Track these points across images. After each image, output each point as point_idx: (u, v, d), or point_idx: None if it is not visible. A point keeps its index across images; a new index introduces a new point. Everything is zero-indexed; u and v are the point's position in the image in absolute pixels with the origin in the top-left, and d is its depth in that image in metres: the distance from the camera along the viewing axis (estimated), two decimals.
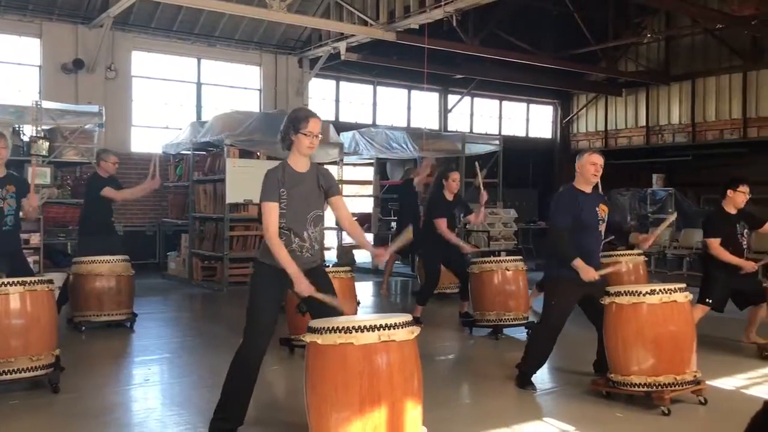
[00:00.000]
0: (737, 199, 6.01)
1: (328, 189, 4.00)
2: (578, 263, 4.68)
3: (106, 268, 7.03)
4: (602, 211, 4.88)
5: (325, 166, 13.27)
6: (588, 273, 4.67)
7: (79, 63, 12.45)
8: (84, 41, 12.55)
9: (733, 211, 6.04)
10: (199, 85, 14.52)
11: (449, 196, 7.40)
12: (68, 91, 12.31)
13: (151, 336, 7.08)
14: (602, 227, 4.89)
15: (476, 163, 7.98)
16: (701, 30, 16.49)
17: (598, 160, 4.88)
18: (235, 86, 14.98)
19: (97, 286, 6.99)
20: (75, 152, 10.11)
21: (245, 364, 3.84)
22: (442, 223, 7.22)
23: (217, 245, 10.58)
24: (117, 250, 7.38)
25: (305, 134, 3.83)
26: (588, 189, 4.91)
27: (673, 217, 5.91)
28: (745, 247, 6.10)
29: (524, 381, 4.99)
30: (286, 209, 3.82)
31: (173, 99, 14.26)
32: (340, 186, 12.06)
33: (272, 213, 3.78)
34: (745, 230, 6.15)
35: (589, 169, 4.84)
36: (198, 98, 14.52)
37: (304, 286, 3.74)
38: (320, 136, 3.92)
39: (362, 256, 13.86)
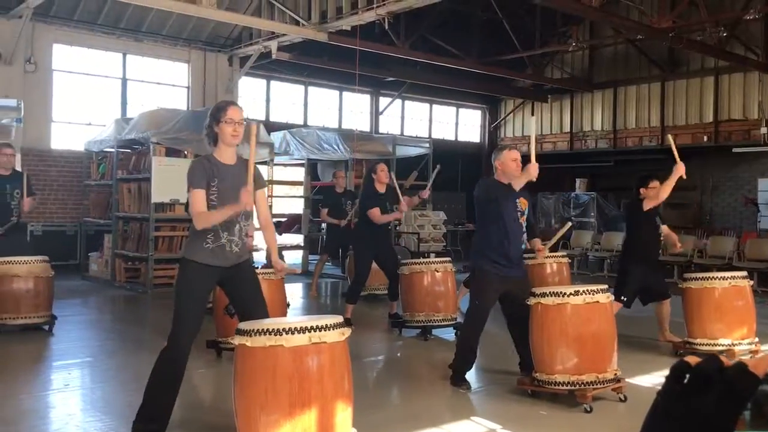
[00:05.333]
0: (650, 195, 6.28)
1: (255, 182, 3.95)
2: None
3: (23, 269, 6.74)
4: (522, 203, 5.01)
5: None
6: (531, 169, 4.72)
7: None
8: (1, 32, 11.98)
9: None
10: (124, 80, 14.10)
11: (380, 188, 7.40)
12: None
13: (71, 339, 6.83)
14: (522, 219, 5.01)
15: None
16: (623, 40, 17.10)
17: (518, 156, 5.03)
18: (162, 83, 14.62)
19: (14, 287, 6.69)
20: None
21: (169, 364, 3.76)
22: (375, 212, 7.18)
23: (141, 246, 10.29)
24: (25, 251, 7.07)
25: (226, 122, 3.79)
26: (508, 182, 5.04)
27: (568, 226, 6.08)
28: (662, 238, 6.38)
29: (458, 379, 5.07)
30: (216, 202, 3.76)
31: (97, 94, 13.80)
32: (269, 186, 12.00)
33: (200, 198, 3.70)
34: (661, 225, 6.44)
35: (511, 165, 4.97)
36: (123, 94, 14.09)
37: (243, 200, 3.63)
38: (243, 123, 3.87)
39: (292, 257, 13.75)
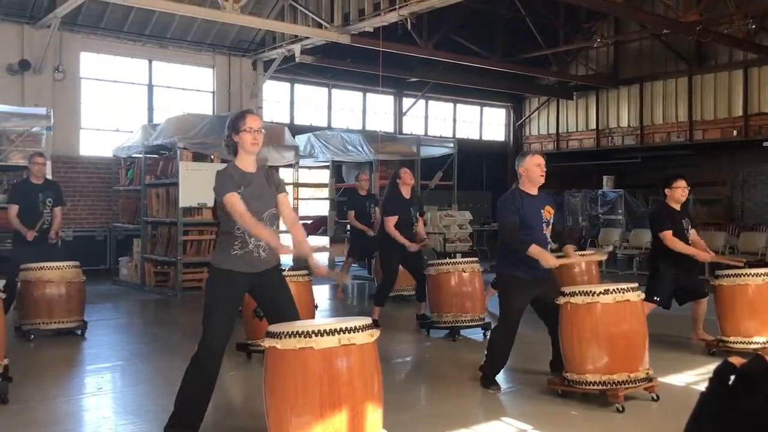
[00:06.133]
0: (675, 195, 6.20)
1: (277, 186, 3.99)
2: (535, 250, 4.70)
3: (55, 275, 6.85)
4: (547, 212, 4.92)
5: (281, 169, 13.17)
6: (548, 260, 4.70)
7: (25, 64, 12.11)
8: (30, 42, 12.22)
9: (677, 207, 6.23)
10: (150, 87, 14.27)
11: (405, 193, 7.37)
12: (14, 93, 11.96)
13: (103, 343, 6.92)
14: (547, 230, 4.92)
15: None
16: (649, 35, 16.92)
17: (542, 160, 4.94)
18: (188, 88, 14.77)
19: (46, 293, 6.80)
20: (22, 156, 9.81)
21: (201, 371, 3.79)
22: (390, 221, 7.17)
23: (170, 250, 10.40)
24: (55, 258, 7.20)
25: (246, 131, 3.81)
26: (534, 191, 4.94)
27: (604, 257, 6.00)
28: (690, 243, 6.27)
29: (488, 381, 5.04)
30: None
31: (124, 101, 13.98)
32: (295, 188, 12.06)
33: (236, 199, 3.71)
34: (690, 227, 6.34)
35: (536, 171, 4.88)
36: (149, 100, 14.26)
37: (283, 249, 3.73)
38: (262, 131, 3.89)
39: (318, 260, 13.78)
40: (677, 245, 6.07)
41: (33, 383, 5.23)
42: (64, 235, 11.35)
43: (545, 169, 4.92)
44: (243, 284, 3.86)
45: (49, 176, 8.07)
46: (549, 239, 4.99)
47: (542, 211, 4.91)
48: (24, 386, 5.04)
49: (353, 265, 11.28)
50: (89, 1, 11.53)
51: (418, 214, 7.50)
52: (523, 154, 5.07)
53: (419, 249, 7.39)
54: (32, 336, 6.79)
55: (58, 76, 12.60)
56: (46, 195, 7.40)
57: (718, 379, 0.76)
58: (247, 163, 3.88)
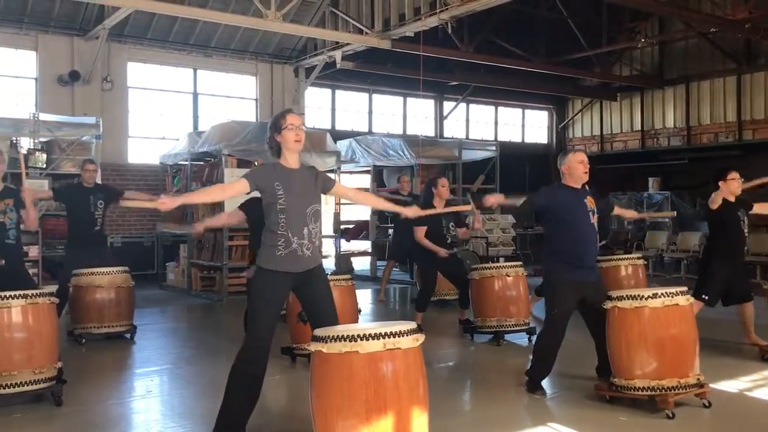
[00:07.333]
0: (731, 186, 6.05)
1: (324, 184, 4.03)
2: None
3: (106, 280, 7.02)
4: (590, 202, 4.94)
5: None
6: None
7: (75, 75, 12.44)
8: (80, 53, 12.56)
9: (732, 199, 6.08)
10: (195, 95, 14.53)
11: (438, 204, 7.30)
12: (65, 103, 12.30)
13: (151, 347, 7.06)
14: (594, 219, 4.91)
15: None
16: (695, 34, 16.58)
17: (584, 157, 4.98)
18: (232, 96, 14.99)
19: (97, 298, 6.97)
20: (72, 164, 10.11)
21: (245, 367, 3.83)
22: (419, 231, 7.11)
23: (216, 255, 10.55)
24: (105, 261, 7.34)
25: (288, 128, 3.86)
26: (577, 186, 4.98)
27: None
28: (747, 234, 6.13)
29: (534, 386, 5.01)
30: (285, 205, 3.82)
31: (170, 110, 14.26)
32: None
33: (237, 185, 3.90)
34: (745, 218, 6.19)
35: (579, 168, 4.91)
36: (194, 108, 14.52)
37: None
38: (304, 128, 3.95)
39: (360, 264, 13.85)
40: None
41: (86, 386, 5.37)
42: (113, 242, 11.64)
43: (588, 166, 4.94)
44: (287, 283, 3.90)
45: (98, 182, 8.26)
46: (596, 228, 4.97)
47: (585, 201, 4.93)
48: (77, 389, 5.18)
49: (395, 268, 11.29)
50: (136, 13, 11.80)
51: (452, 223, 7.52)
52: (565, 152, 5.10)
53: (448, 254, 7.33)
54: (84, 340, 6.97)
55: (106, 86, 12.91)
56: (97, 197, 7.56)
57: None
58: (291, 160, 3.94)
